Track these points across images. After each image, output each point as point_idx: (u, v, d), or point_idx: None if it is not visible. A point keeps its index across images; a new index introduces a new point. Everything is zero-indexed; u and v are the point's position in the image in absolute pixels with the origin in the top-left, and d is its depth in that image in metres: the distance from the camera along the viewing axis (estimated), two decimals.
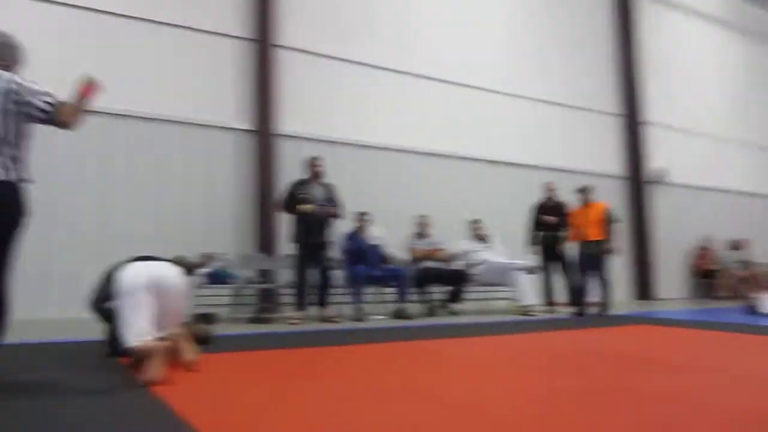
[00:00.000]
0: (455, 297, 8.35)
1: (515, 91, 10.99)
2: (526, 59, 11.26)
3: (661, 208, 12.85)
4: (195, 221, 7.87)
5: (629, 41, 12.63)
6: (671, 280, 12.80)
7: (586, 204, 8.06)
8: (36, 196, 7.02)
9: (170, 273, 3.74)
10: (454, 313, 7.96)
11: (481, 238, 8.74)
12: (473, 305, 8.45)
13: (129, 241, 7.33)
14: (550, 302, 8.64)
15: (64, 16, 7.32)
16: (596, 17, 12.49)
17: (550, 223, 8.44)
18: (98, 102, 7.44)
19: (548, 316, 8.10)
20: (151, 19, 7.83)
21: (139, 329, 3.35)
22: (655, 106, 12.84)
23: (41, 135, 7.04)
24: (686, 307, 10.07)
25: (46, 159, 7.01)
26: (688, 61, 13.81)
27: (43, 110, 3.29)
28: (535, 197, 9.11)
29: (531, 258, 8.67)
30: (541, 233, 8.61)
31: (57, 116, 3.40)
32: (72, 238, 7.12)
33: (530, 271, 8.47)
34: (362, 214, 7.83)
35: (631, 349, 4.65)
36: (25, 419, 2.36)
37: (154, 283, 3.56)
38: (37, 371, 3.46)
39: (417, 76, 9.92)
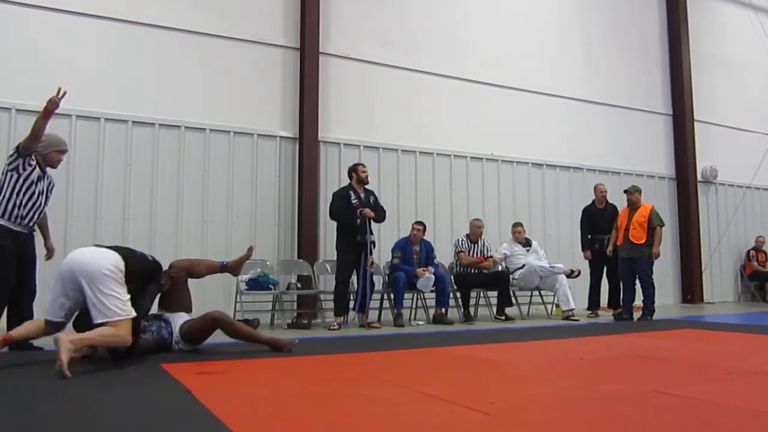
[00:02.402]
0: (503, 302, 8.09)
1: (561, 92, 10.83)
2: (572, 60, 11.10)
3: (711, 208, 12.51)
4: (239, 227, 8.00)
5: (679, 38, 12.29)
6: (721, 283, 12.43)
7: (631, 205, 7.89)
8: (85, 203, 7.30)
9: (88, 260, 3.84)
10: (509, 319, 7.86)
11: (522, 241, 8.65)
12: (514, 310, 8.34)
13: (174, 247, 7.51)
14: (596, 307, 8.51)
15: (111, 29, 7.53)
16: (644, 15, 12.22)
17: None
18: (146, 112, 7.70)
19: (591, 320, 7.99)
20: (197, 30, 8.00)
21: (47, 312, 3.81)
22: (703, 104, 12.49)
23: (87, 145, 7.31)
24: (736, 311, 9.79)
25: (93, 167, 7.26)
26: (738, 56, 13.39)
27: None
28: (581, 199, 8.99)
29: (578, 261, 8.57)
30: (592, 237, 8.49)
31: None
32: (117, 243, 7.29)
33: (571, 275, 8.35)
34: (418, 222, 7.85)
35: (677, 354, 4.55)
36: (71, 416, 2.43)
37: (67, 269, 3.83)
38: (79, 375, 3.55)
39: (461, 79, 9.86)
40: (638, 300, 7.80)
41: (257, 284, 7.17)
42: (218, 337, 4.52)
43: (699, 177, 12.25)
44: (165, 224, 7.59)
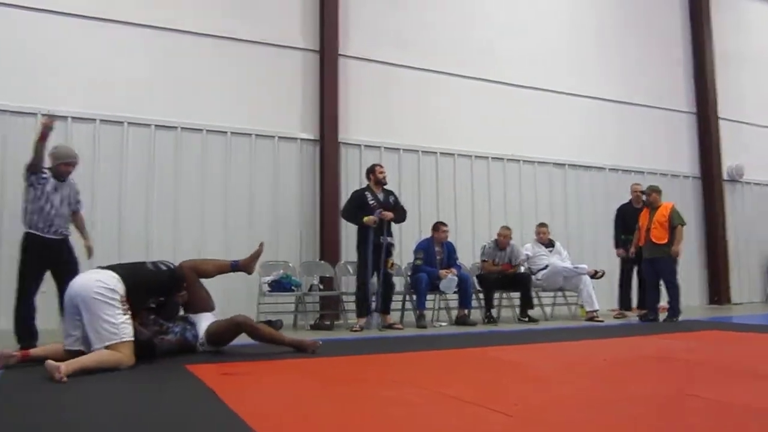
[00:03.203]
0: (526, 304, 8.04)
1: (582, 91, 10.74)
2: (593, 58, 11.00)
3: (737, 207, 12.31)
4: (261, 229, 8.05)
5: (702, 35, 12.11)
6: (748, 284, 12.22)
7: (650, 206, 7.79)
8: (108, 207, 7.39)
9: (80, 285, 3.85)
10: (532, 320, 7.80)
11: (545, 242, 8.58)
12: (537, 311, 8.28)
13: (198, 249, 7.59)
14: (627, 308, 8.44)
15: (134, 34, 7.62)
16: (666, 12, 12.06)
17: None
18: (169, 116, 7.78)
19: (617, 321, 7.91)
20: (218, 34, 8.07)
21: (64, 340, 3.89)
22: (729, 102, 12.29)
23: (111, 149, 7.42)
24: (764, 312, 9.61)
25: (117, 171, 7.35)
26: (765, 52, 13.16)
27: None
28: (603, 199, 8.90)
29: (600, 262, 8.49)
30: (626, 236, 8.41)
31: None
32: (142, 247, 7.37)
33: (595, 275, 8.25)
34: (439, 223, 7.80)
35: (703, 356, 4.49)
36: (94, 415, 2.47)
37: (67, 297, 3.87)
38: (103, 374, 3.57)
39: (482, 79, 9.83)
40: (664, 301, 7.71)
41: (280, 286, 7.21)
42: (241, 338, 4.55)
43: (725, 176, 12.07)
44: (188, 227, 7.67)
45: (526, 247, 8.64)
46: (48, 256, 5.03)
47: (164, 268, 4.46)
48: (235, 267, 4.92)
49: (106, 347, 3.66)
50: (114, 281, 3.84)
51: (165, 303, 4.48)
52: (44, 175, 5.07)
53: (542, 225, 8.70)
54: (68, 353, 3.79)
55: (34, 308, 5.03)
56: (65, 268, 4.98)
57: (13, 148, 6.91)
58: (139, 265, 4.35)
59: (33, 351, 3.93)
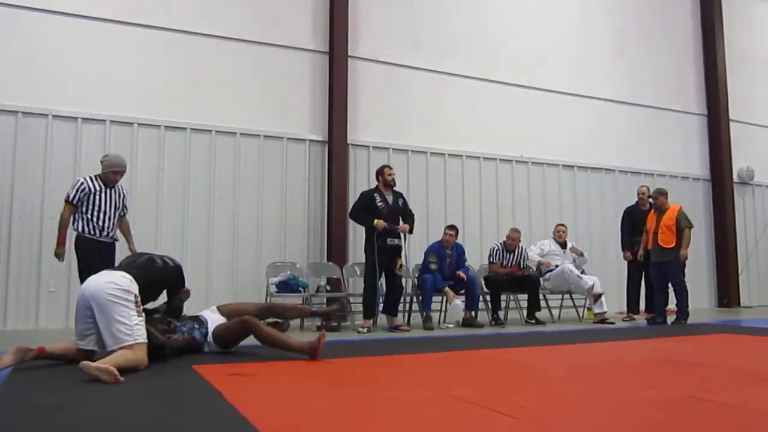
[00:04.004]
0: (533, 305, 7.95)
1: (591, 93, 10.71)
2: (602, 60, 10.96)
3: (748, 210, 12.24)
4: (269, 230, 8.08)
5: (713, 36, 12.04)
6: (758, 287, 12.14)
7: (657, 209, 7.75)
8: None
9: (94, 286, 3.84)
10: (539, 323, 7.75)
11: (562, 242, 8.54)
12: (544, 314, 8.25)
13: (205, 249, 7.63)
14: (635, 311, 8.39)
15: (142, 35, 7.66)
16: (676, 14, 12.00)
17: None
18: (178, 117, 7.82)
19: (626, 324, 7.87)
20: (227, 36, 8.10)
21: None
22: (739, 104, 12.20)
23: (121, 150, 7.46)
24: None
25: (127, 172, 7.36)
26: None
27: None
28: (612, 201, 8.87)
29: (609, 264, 8.43)
30: (633, 238, 8.38)
31: None
32: (150, 247, 7.39)
33: (594, 295, 8.07)
34: (451, 227, 7.77)
35: (712, 359, 4.46)
36: (100, 416, 2.48)
37: (80, 297, 3.87)
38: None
39: (490, 81, 9.81)
40: (672, 304, 7.66)
41: (287, 287, 7.22)
42: (248, 339, 4.56)
43: (735, 178, 12.00)
44: (196, 226, 7.70)
45: (543, 243, 8.57)
46: (102, 258, 5.30)
47: (171, 263, 4.47)
48: (314, 314, 4.89)
49: (122, 348, 3.65)
50: (127, 282, 3.85)
51: (169, 300, 4.49)
52: (90, 183, 5.48)
53: (562, 225, 8.65)
54: (81, 352, 3.83)
55: None
56: None
57: (23, 149, 6.98)
58: (148, 262, 4.33)
59: (48, 346, 3.94)
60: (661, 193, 7.74)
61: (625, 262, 8.67)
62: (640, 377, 3.69)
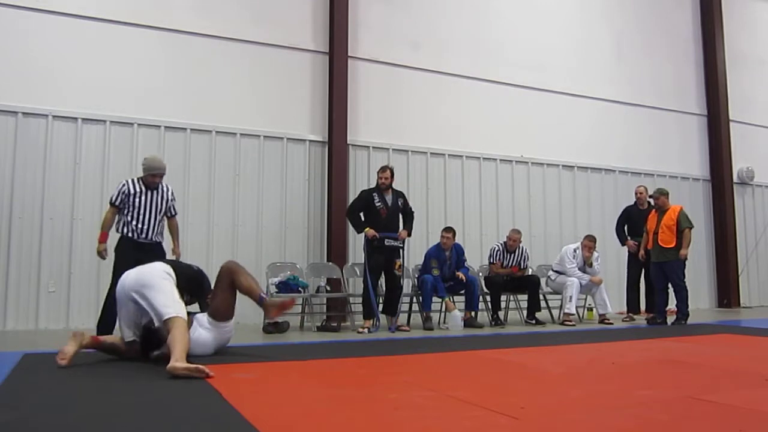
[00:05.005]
0: (533, 306, 7.90)
1: (591, 93, 10.70)
2: (603, 61, 10.96)
3: (748, 210, 12.24)
4: (268, 231, 8.08)
5: (713, 36, 12.03)
6: (758, 287, 12.14)
7: (658, 209, 7.74)
8: None
9: (139, 273, 4.10)
10: (540, 323, 7.72)
11: (587, 257, 8.23)
12: (544, 314, 8.24)
13: (205, 249, 7.62)
14: (635, 311, 8.39)
15: (142, 35, 7.66)
16: (676, 15, 11.99)
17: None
18: (178, 117, 7.82)
19: (626, 325, 7.87)
20: (227, 36, 8.09)
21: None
22: (739, 104, 12.20)
23: (121, 150, 7.46)
24: None
25: (127, 171, 7.37)
26: None
27: None
28: (613, 201, 8.87)
29: (610, 263, 8.41)
30: (632, 238, 8.38)
31: None
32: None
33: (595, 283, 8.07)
34: (447, 229, 7.70)
35: (712, 359, 4.45)
36: (97, 415, 2.48)
37: (120, 289, 4.12)
38: (109, 375, 3.59)
39: (490, 81, 9.81)
40: (672, 304, 7.66)
41: (287, 287, 7.21)
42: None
43: (735, 178, 12.01)
44: (196, 227, 7.69)
45: (569, 250, 8.25)
46: (139, 258, 5.11)
47: (197, 269, 4.65)
48: (260, 301, 4.59)
49: (171, 321, 3.76)
50: (168, 268, 4.19)
51: (201, 306, 4.55)
52: (132, 186, 5.56)
53: (593, 238, 8.30)
54: (127, 344, 4.13)
55: None
56: None
57: (23, 149, 6.98)
58: (183, 263, 4.64)
59: (103, 338, 4.27)
60: (662, 193, 7.73)
61: (625, 263, 8.67)
62: (640, 377, 3.69)
